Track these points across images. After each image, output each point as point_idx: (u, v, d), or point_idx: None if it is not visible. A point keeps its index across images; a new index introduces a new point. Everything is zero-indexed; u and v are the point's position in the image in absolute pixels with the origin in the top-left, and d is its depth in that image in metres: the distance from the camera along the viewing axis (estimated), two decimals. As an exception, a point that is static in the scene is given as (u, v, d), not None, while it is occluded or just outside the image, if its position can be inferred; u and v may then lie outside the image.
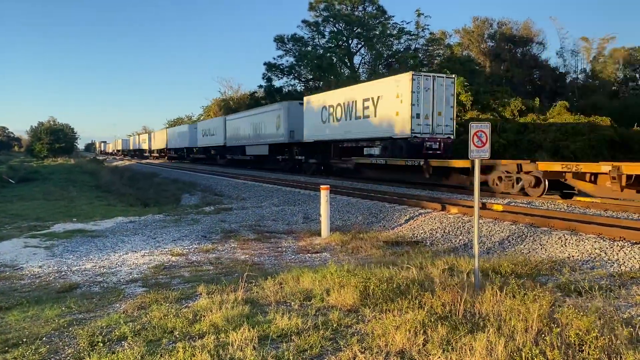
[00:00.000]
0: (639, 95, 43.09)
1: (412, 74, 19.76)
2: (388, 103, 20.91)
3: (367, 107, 22.33)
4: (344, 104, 24.30)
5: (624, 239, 8.46)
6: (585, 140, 29.41)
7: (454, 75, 21.94)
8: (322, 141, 26.56)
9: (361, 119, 22.78)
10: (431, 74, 20.66)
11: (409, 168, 19.20)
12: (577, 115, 32.49)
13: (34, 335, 4.94)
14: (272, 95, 48.39)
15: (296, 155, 30.10)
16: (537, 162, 14.31)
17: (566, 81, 47.18)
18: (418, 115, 19.79)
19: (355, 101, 23.27)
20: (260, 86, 52.06)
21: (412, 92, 19.61)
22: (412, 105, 19.63)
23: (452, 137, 20.85)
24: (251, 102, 53.33)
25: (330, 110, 25.57)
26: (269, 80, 49.33)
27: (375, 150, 22.11)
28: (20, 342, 4.74)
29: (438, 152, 20.19)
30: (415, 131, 19.82)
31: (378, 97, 21.64)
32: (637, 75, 48.42)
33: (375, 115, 21.77)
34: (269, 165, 34.79)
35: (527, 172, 14.55)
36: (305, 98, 28.78)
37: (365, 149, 22.88)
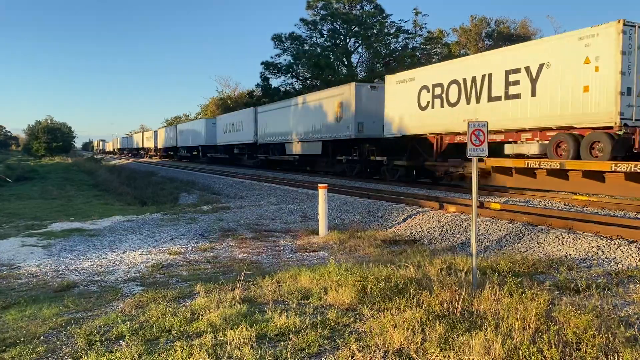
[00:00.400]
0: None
1: (624, 23, 12.24)
2: (565, 74, 13.58)
3: (516, 82, 15.06)
4: (463, 80, 17.07)
5: (621, 237, 8.47)
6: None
7: None
8: (416, 136, 19.69)
9: (501, 100, 15.55)
10: None
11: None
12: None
13: (32, 334, 4.94)
14: (269, 94, 48.35)
15: (370, 155, 22.74)
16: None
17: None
18: (630, 91, 12.41)
19: (490, 74, 16.03)
20: (258, 85, 52.09)
21: (623, 52, 12.27)
22: (622, 74, 12.28)
23: None
24: (249, 100, 53.24)
25: (435, 90, 18.34)
26: (266, 79, 49.28)
27: (533, 148, 14.89)
28: (17, 341, 4.73)
29: None
30: (626, 117, 12.42)
31: (541, 65, 14.29)
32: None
33: (534, 94, 14.49)
34: (321, 168, 28.24)
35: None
36: (387, 77, 21.54)
37: (507, 145, 15.83)
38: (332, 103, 24.96)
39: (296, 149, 29.63)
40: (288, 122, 30.11)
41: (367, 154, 22.95)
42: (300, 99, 29.66)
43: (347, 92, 23.54)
